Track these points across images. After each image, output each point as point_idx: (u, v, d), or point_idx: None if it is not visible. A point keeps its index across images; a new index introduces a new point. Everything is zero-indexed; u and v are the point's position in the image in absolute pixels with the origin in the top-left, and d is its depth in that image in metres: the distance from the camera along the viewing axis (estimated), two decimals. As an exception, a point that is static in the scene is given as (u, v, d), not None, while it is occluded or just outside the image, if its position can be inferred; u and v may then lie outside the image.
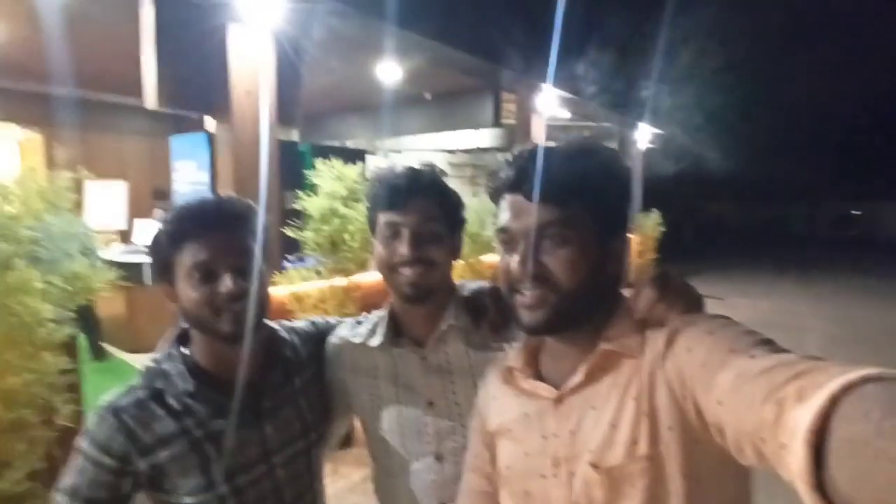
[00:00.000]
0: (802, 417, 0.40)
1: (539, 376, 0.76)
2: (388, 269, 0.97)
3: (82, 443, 0.87)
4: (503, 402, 0.80)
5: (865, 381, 0.39)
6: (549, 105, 6.29)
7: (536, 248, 0.69)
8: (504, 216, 0.72)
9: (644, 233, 9.14)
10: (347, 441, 3.03)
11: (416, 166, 1.01)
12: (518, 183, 0.70)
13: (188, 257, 0.89)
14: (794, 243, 20.91)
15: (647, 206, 9.37)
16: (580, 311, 0.70)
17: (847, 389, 0.39)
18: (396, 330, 1.03)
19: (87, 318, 4.73)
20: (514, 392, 0.79)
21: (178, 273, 0.90)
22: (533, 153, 0.70)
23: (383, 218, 0.98)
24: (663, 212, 9.44)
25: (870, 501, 0.35)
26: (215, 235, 0.90)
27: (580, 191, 0.68)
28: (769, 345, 0.56)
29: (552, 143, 0.72)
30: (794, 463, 0.40)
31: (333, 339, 1.11)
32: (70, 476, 0.86)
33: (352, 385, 1.06)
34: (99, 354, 4.79)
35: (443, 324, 0.99)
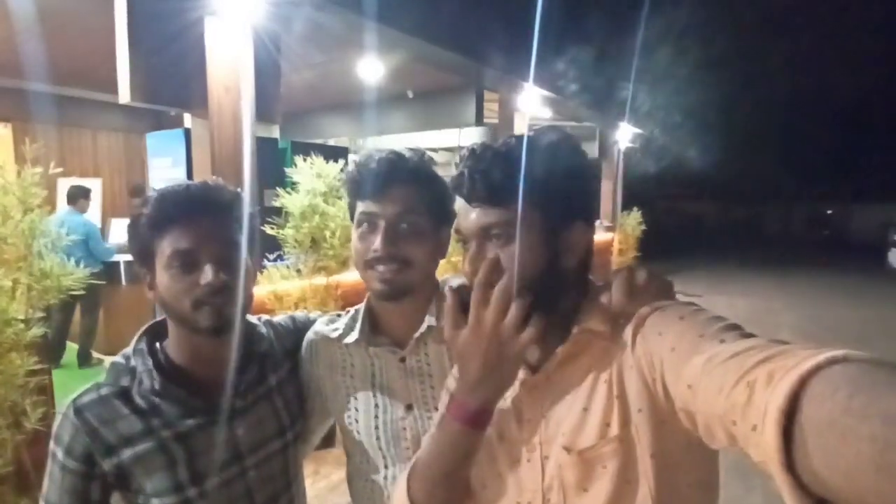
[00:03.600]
0: (773, 399, 0.41)
1: None
2: (363, 263, 0.90)
3: (51, 445, 0.85)
4: None
5: (832, 362, 0.40)
6: (532, 104, 6.31)
7: (483, 246, 0.70)
8: (457, 218, 0.74)
9: (625, 231, 9.26)
10: (328, 441, 3.00)
11: (401, 150, 0.92)
12: (459, 187, 0.72)
13: (168, 244, 0.83)
14: (769, 243, 21.37)
15: (628, 206, 9.49)
16: (541, 300, 0.69)
17: (815, 371, 0.40)
18: (374, 326, 0.98)
19: (86, 328, 4.62)
20: None
21: (158, 260, 0.85)
22: (474, 154, 0.71)
23: (360, 207, 0.91)
24: (644, 211, 9.57)
25: (838, 478, 0.36)
26: (198, 222, 0.84)
27: (520, 190, 0.67)
28: (737, 329, 0.57)
29: (499, 141, 0.72)
30: (766, 444, 0.41)
31: (310, 334, 1.04)
32: (45, 482, 0.84)
33: (327, 383, 1.01)
34: (86, 362, 4.66)
35: (423, 325, 0.92)
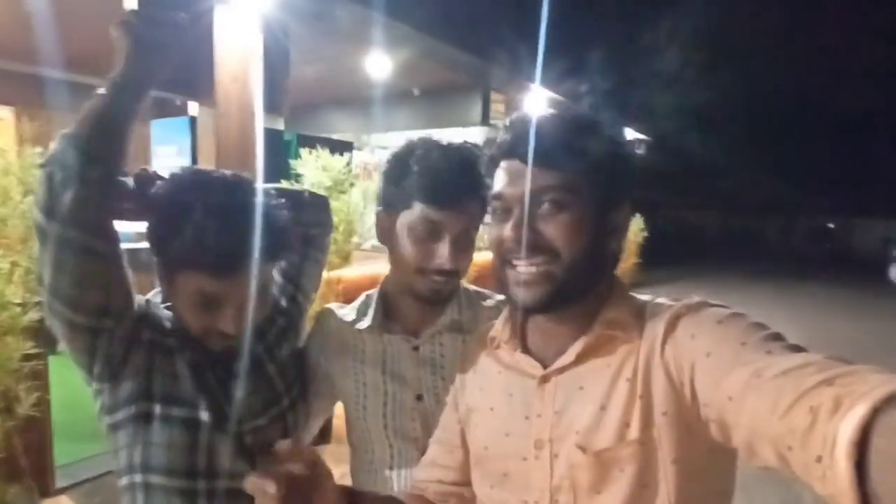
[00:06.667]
0: (843, 430, 0.38)
1: (525, 350, 0.73)
2: (416, 269, 0.86)
3: None
4: (486, 376, 0.77)
5: None
6: (538, 106, 6.31)
7: (532, 214, 0.65)
8: (499, 182, 0.68)
9: (626, 238, 9.21)
10: (324, 437, 2.97)
11: (467, 148, 0.86)
12: (514, 147, 0.67)
13: (192, 282, 0.79)
14: (770, 254, 21.35)
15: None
16: (580, 287, 0.66)
17: (889, 400, 0.36)
18: (387, 314, 0.96)
19: None
20: (498, 367, 0.75)
21: (175, 286, 0.81)
22: (531, 117, 0.67)
23: (421, 211, 0.84)
24: (645, 217, 9.52)
25: None
26: (231, 270, 0.78)
27: (580, 156, 0.64)
28: (782, 340, 0.54)
29: (557, 109, 0.69)
30: (836, 478, 0.38)
31: (320, 316, 1.03)
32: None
33: (337, 368, 0.98)
34: None
35: (443, 318, 0.92)
